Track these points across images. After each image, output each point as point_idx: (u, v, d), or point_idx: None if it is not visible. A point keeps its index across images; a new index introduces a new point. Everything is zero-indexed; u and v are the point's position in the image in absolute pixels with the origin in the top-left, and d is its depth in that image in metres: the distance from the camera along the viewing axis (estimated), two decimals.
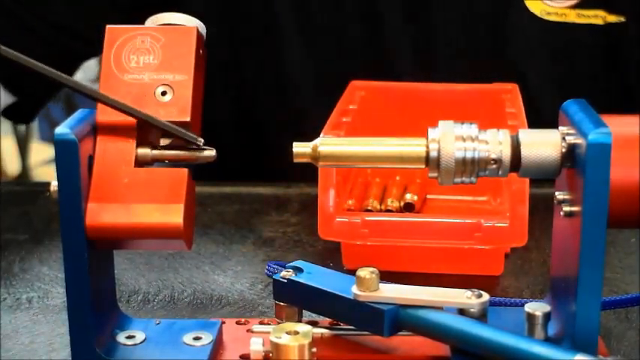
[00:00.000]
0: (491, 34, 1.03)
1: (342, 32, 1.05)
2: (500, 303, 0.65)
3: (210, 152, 0.58)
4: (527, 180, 0.70)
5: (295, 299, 0.60)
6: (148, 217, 0.55)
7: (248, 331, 0.62)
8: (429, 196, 0.87)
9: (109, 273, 0.60)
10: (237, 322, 0.63)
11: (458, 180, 0.55)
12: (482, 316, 0.57)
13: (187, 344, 0.59)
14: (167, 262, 0.78)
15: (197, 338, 0.59)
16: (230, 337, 0.61)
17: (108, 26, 0.59)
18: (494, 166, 0.55)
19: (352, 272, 0.59)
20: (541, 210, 0.77)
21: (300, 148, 0.56)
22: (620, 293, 0.71)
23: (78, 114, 0.56)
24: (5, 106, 1.09)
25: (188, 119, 0.57)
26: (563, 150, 0.54)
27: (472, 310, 0.56)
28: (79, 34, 1.06)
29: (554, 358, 0.52)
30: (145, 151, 0.57)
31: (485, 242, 0.72)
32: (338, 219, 0.73)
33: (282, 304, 0.61)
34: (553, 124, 0.56)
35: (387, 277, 0.66)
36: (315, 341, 0.56)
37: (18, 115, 1.13)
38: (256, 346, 0.57)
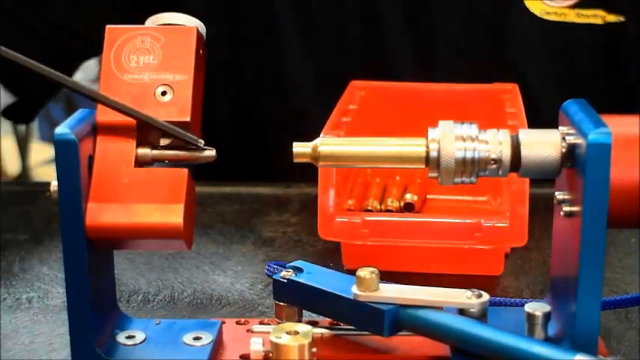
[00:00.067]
0: (491, 34, 1.03)
1: (342, 32, 1.05)
2: (500, 303, 0.65)
3: (210, 152, 0.58)
4: (527, 180, 0.70)
5: (295, 299, 0.60)
6: (148, 217, 0.55)
7: (248, 331, 0.62)
8: (429, 196, 0.87)
9: (109, 273, 0.60)
10: (237, 322, 0.63)
11: (458, 180, 0.55)
12: (482, 316, 0.57)
13: (187, 344, 0.59)
14: (167, 262, 0.78)
15: (197, 338, 0.59)
16: (230, 337, 0.61)
17: (108, 26, 0.59)
18: (494, 166, 0.55)
19: (352, 272, 0.59)
20: (541, 210, 0.77)
21: (300, 148, 0.56)
22: (620, 293, 0.71)
23: (78, 114, 0.56)
24: (5, 106, 1.09)
25: (188, 119, 0.57)
26: (563, 150, 0.54)
27: (472, 310, 0.56)
28: (79, 34, 1.06)
29: (554, 358, 0.52)
30: (145, 151, 0.57)
31: (485, 242, 0.72)
32: (338, 219, 0.73)
33: (282, 304, 0.61)
34: (553, 124, 0.56)
35: (387, 277, 0.66)
36: (315, 341, 0.56)
37: (18, 115, 1.13)
38: (256, 346, 0.57)
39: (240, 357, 0.59)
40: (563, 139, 0.54)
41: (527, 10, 1.02)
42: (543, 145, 0.54)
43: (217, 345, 0.60)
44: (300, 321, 0.60)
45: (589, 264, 0.52)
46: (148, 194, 0.56)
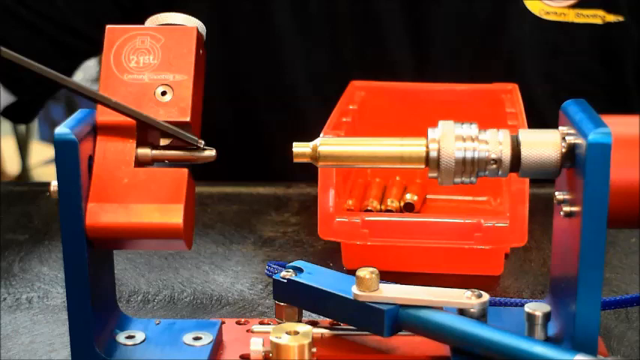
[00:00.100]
0: (490, 34, 1.03)
1: (341, 32, 1.05)
2: (500, 303, 0.65)
3: (210, 152, 0.58)
4: (527, 180, 0.70)
5: (295, 299, 0.60)
6: (148, 217, 0.55)
7: (248, 331, 0.62)
8: (429, 196, 0.87)
9: (109, 273, 0.60)
10: (237, 322, 0.63)
11: (458, 180, 0.55)
12: (482, 316, 0.57)
13: (187, 344, 0.59)
14: (167, 262, 0.78)
15: (197, 338, 0.59)
16: (230, 337, 0.61)
17: (108, 26, 0.59)
18: (494, 166, 0.55)
19: (352, 272, 0.59)
20: (541, 210, 0.77)
21: (300, 148, 0.56)
22: (620, 293, 0.71)
23: (78, 114, 0.56)
24: (5, 106, 1.09)
25: (188, 119, 0.57)
26: (563, 150, 0.54)
27: (472, 310, 0.56)
28: (80, 33, 1.06)
29: (554, 358, 0.52)
30: (144, 151, 0.57)
31: (485, 242, 0.72)
32: (338, 219, 0.73)
33: (282, 304, 0.61)
34: (553, 124, 0.56)
35: (387, 277, 0.66)
36: (315, 341, 0.56)
37: (18, 114, 1.13)
38: (256, 346, 0.57)
39: (240, 357, 0.59)
40: (563, 139, 0.54)
41: (526, 10, 1.02)
42: (543, 145, 0.54)
43: (217, 345, 0.60)
44: (300, 321, 0.60)
45: (589, 264, 0.52)
46: (147, 194, 0.56)
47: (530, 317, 0.56)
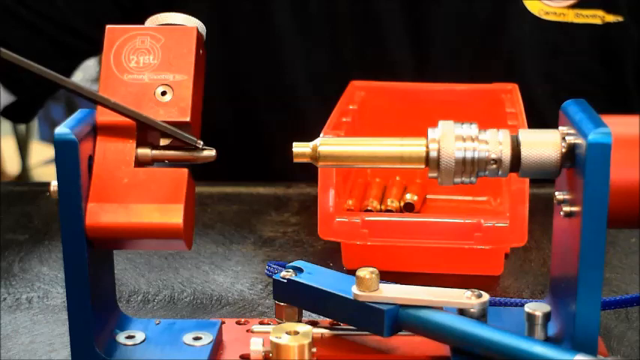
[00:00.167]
0: (490, 34, 1.03)
1: (342, 32, 1.05)
2: (500, 303, 0.65)
3: (210, 152, 0.58)
4: (527, 180, 0.70)
5: (295, 299, 0.60)
6: (148, 217, 0.55)
7: (248, 331, 0.62)
8: (429, 196, 0.87)
9: (109, 273, 0.60)
10: (237, 322, 0.63)
11: (458, 180, 0.55)
12: (482, 316, 0.57)
13: (187, 344, 0.59)
14: (167, 262, 0.78)
15: (197, 338, 0.59)
16: (230, 337, 0.61)
17: (108, 26, 0.59)
18: (494, 166, 0.55)
19: (352, 272, 0.59)
20: (541, 210, 0.77)
21: (300, 148, 0.56)
22: (620, 293, 0.71)
23: (78, 114, 0.56)
24: (5, 106, 1.09)
25: (188, 119, 0.57)
26: (563, 150, 0.54)
27: (472, 310, 0.56)
28: (80, 33, 1.06)
29: (554, 358, 0.52)
30: (144, 151, 0.57)
31: (485, 242, 0.72)
32: (338, 219, 0.73)
33: (282, 304, 0.61)
34: (553, 124, 0.56)
35: (387, 277, 0.66)
36: (315, 341, 0.56)
37: (17, 114, 1.13)
38: (256, 346, 0.57)
39: (240, 357, 0.59)
40: (563, 139, 0.54)
41: (526, 10, 1.02)
42: (543, 145, 0.54)
43: (217, 345, 0.60)
44: (300, 321, 0.60)
45: (589, 264, 0.52)
46: (147, 194, 0.56)
47: (530, 317, 0.56)
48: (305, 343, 0.54)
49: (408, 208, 0.83)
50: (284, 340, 0.55)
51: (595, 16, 1.01)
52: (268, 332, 0.56)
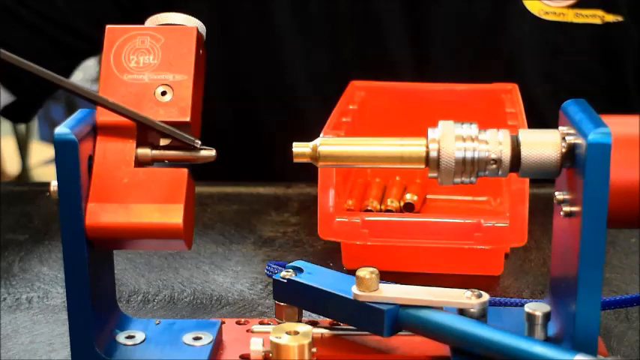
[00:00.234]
0: (490, 34, 1.03)
1: (342, 32, 1.05)
2: (500, 303, 0.65)
3: (210, 152, 0.58)
4: (527, 180, 0.70)
5: (295, 299, 0.60)
6: (148, 217, 0.55)
7: (248, 331, 0.62)
8: (429, 196, 0.87)
9: (109, 273, 0.60)
10: (237, 322, 0.63)
11: (458, 180, 0.55)
12: (482, 316, 0.57)
13: (187, 344, 0.59)
14: (167, 262, 0.78)
15: (197, 338, 0.59)
16: (230, 337, 0.61)
17: (108, 26, 0.59)
18: (494, 166, 0.55)
19: (352, 272, 0.59)
20: (541, 210, 0.77)
21: (300, 148, 0.56)
22: (620, 293, 0.71)
23: (78, 114, 0.56)
24: (4, 106, 1.09)
25: (188, 119, 0.57)
26: (563, 150, 0.54)
27: (472, 310, 0.56)
28: (80, 33, 1.07)
29: (554, 358, 0.52)
30: (144, 151, 0.57)
31: (485, 242, 0.72)
32: (338, 219, 0.73)
33: (282, 304, 0.61)
34: (553, 124, 0.56)
35: (387, 277, 0.66)
36: (315, 341, 0.56)
37: (17, 114, 1.13)
38: (256, 346, 0.57)
39: (240, 357, 0.59)
40: (563, 139, 0.54)
41: (526, 10, 1.02)
42: (543, 145, 0.54)
43: (217, 345, 0.60)
44: (300, 321, 0.60)
45: (589, 264, 0.52)
46: (147, 194, 0.56)
47: (530, 317, 0.56)
48: (305, 343, 0.54)
49: (408, 208, 0.83)
50: (284, 340, 0.55)
51: (595, 16, 1.01)
52: (268, 332, 0.56)
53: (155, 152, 0.57)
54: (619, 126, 0.53)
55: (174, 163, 0.58)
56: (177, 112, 0.57)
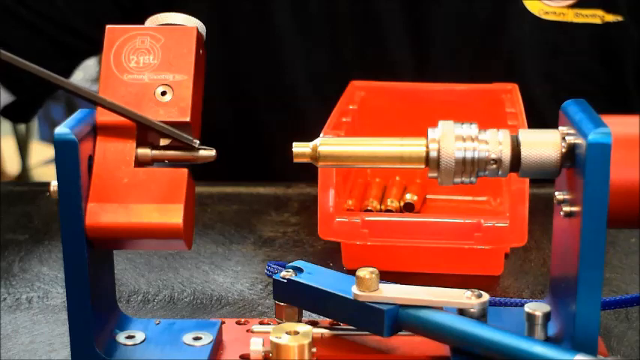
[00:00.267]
0: (490, 34, 1.03)
1: (342, 32, 1.05)
2: (500, 303, 0.65)
3: (210, 152, 0.58)
4: (527, 180, 0.70)
5: (295, 299, 0.60)
6: (148, 217, 0.55)
7: (248, 331, 0.62)
8: (429, 196, 0.87)
9: (109, 273, 0.60)
10: (237, 322, 0.63)
11: (458, 180, 0.55)
12: (482, 316, 0.57)
13: (187, 344, 0.59)
14: (167, 262, 0.78)
15: (197, 338, 0.59)
16: (230, 337, 0.61)
17: (108, 26, 0.59)
18: (494, 166, 0.55)
19: (352, 272, 0.59)
20: (541, 210, 0.77)
21: (300, 148, 0.56)
22: (620, 293, 0.71)
23: (78, 114, 0.56)
24: (4, 105, 1.09)
25: (188, 119, 0.57)
26: (563, 150, 0.54)
27: (472, 310, 0.56)
28: (80, 33, 1.07)
29: (554, 358, 0.52)
30: (144, 151, 0.57)
31: (485, 242, 0.72)
32: (338, 219, 0.73)
33: (282, 304, 0.61)
34: (553, 124, 0.56)
35: (387, 277, 0.66)
36: (315, 341, 0.56)
37: (17, 114, 1.13)
38: (256, 346, 0.57)
39: (240, 357, 0.59)
40: (563, 139, 0.54)
41: (526, 10, 1.02)
42: (543, 145, 0.54)
43: (217, 345, 0.60)
44: (300, 321, 0.60)
45: (589, 264, 0.52)
46: (147, 194, 0.56)
47: (530, 317, 0.56)
48: (305, 343, 0.54)
49: (408, 208, 0.83)
50: (284, 340, 0.55)
51: (595, 16, 1.01)
52: (268, 332, 0.56)
53: (155, 152, 0.57)
54: (619, 126, 0.53)
55: (174, 163, 0.58)
56: (177, 112, 0.57)
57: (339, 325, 0.61)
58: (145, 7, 1.01)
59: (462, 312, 0.57)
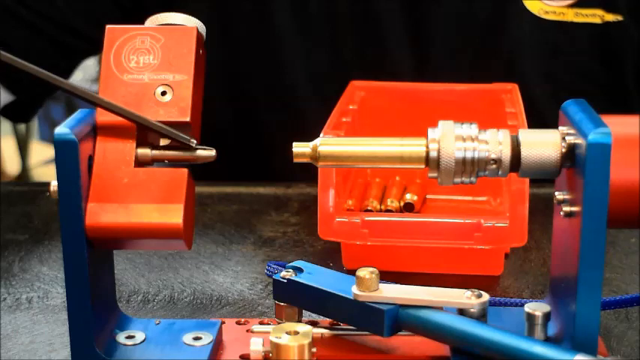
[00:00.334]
0: (490, 34, 1.03)
1: (342, 32, 1.05)
2: (500, 303, 0.65)
3: (210, 152, 0.58)
4: (527, 180, 0.70)
5: (295, 299, 0.60)
6: (148, 217, 0.55)
7: (248, 331, 0.62)
8: (429, 196, 0.87)
9: (109, 273, 0.60)
10: (237, 322, 0.63)
11: (458, 180, 0.55)
12: (482, 316, 0.57)
13: (187, 344, 0.59)
14: (167, 262, 0.78)
15: (197, 338, 0.59)
16: (230, 337, 0.61)
17: (108, 26, 0.59)
18: (494, 166, 0.55)
19: (352, 272, 0.59)
20: (541, 210, 0.77)
21: (300, 148, 0.56)
22: (620, 293, 0.71)
23: (78, 114, 0.56)
24: (3, 105, 1.09)
25: (188, 119, 0.57)
26: (563, 150, 0.54)
27: (472, 310, 0.56)
28: (80, 33, 1.07)
29: (554, 358, 0.52)
30: (144, 151, 0.57)
31: (485, 242, 0.72)
32: (338, 219, 0.73)
33: (282, 304, 0.61)
34: (553, 124, 0.56)
35: (387, 277, 0.66)
36: (315, 341, 0.56)
37: (16, 113, 1.13)
38: (256, 346, 0.57)
39: (240, 357, 0.59)
40: (563, 139, 0.54)
41: (526, 9, 1.02)
42: (543, 145, 0.54)
43: (217, 345, 0.60)
44: (300, 321, 0.60)
45: (589, 264, 0.52)
46: (147, 194, 0.56)
47: (530, 317, 0.56)
48: (305, 343, 0.54)
49: (408, 208, 0.83)
50: (284, 340, 0.55)
51: (594, 15, 1.01)
52: (268, 332, 0.56)
53: (155, 152, 0.57)
54: (619, 126, 0.53)
55: (175, 163, 0.58)
56: (177, 112, 0.57)
57: (339, 325, 0.61)
58: (145, 7, 1.01)
59: (462, 312, 0.57)
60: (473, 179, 0.55)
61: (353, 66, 1.04)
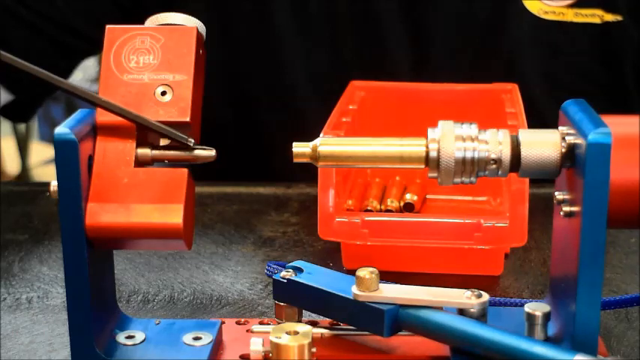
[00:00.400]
0: (490, 34, 1.03)
1: (342, 32, 1.05)
2: (500, 303, 0.65)
3: (210, 152, 0.58)
4: (527, 180, 0.70)
5: (295, 299, 0.60)
6: (148, 217, 0.55)
7: (248, 331, 0.62)
8: (429, 196, 0.87)
9: (109, 273, 0.60)
10: (237, 322, 0.63)
11: (457, 180, 0.55)
12: (482, 316, 0.57)
13: (187, 344, 0.59)
14: (167, 262, 0.78)
15: (197, 338, 0.59)
16: (230, 337, 0.61)
17: (108, 26, 0.59)
18: (494, 166, 0.55)
19: (352, 272, 0.59)
20: (541, 210, 0.77)
21: (300, 148, 0.56)
22: (620, 293, 0.71)
23: (78, 114, 0.56)
24: (3, 105, 1.09)
25: (188, 119, 0.57)
26: (563, 150, 0.54)
27: (472, 310, 0.56)
28: (80, 33, 1.07)
29: (554, 358, 0.52)
30: (144, 151, 0.57)
31: (486, 242, 0.72)
32: (338, 219, 0.73)
33: (282, 304, 0.61)
34: (553, 124, 0.56)
35: (387, 277, 0.66)
36: (315, 341, 0.56)
37: (16, 113, 1.13)
38: (256, 346, 0.57)
39: (240, 357, 0.59)
40: (563, 139, 0.54)
41: (526, 9, 1.02)
42: (543, 145, 0.54)
43: (217, 345, 0.60)
44: (300, 321, 0.60)
45: (589, 264, 0.52)
46: (147, 194, 0.56)
47: (530, 317, 0.56)
48: (305, 343, 0.54)
49: (408, 208, 0.83)
50: (284, 340, 0.55)
51: (594, 15, 1.01)
52: (268, 332, 0.56)
53: (155, 152, 0.57)
54: (619, 126, 0.53)
55: (175, 163, 0.58)
56: (177, 112, 0.57)
57: (339, 325, 0.61)
58: (145, 7, 1.01)
59: (462, 312, 0.57)
60: (473, 179, 0.55)
61: (353, 66, 1.04)
